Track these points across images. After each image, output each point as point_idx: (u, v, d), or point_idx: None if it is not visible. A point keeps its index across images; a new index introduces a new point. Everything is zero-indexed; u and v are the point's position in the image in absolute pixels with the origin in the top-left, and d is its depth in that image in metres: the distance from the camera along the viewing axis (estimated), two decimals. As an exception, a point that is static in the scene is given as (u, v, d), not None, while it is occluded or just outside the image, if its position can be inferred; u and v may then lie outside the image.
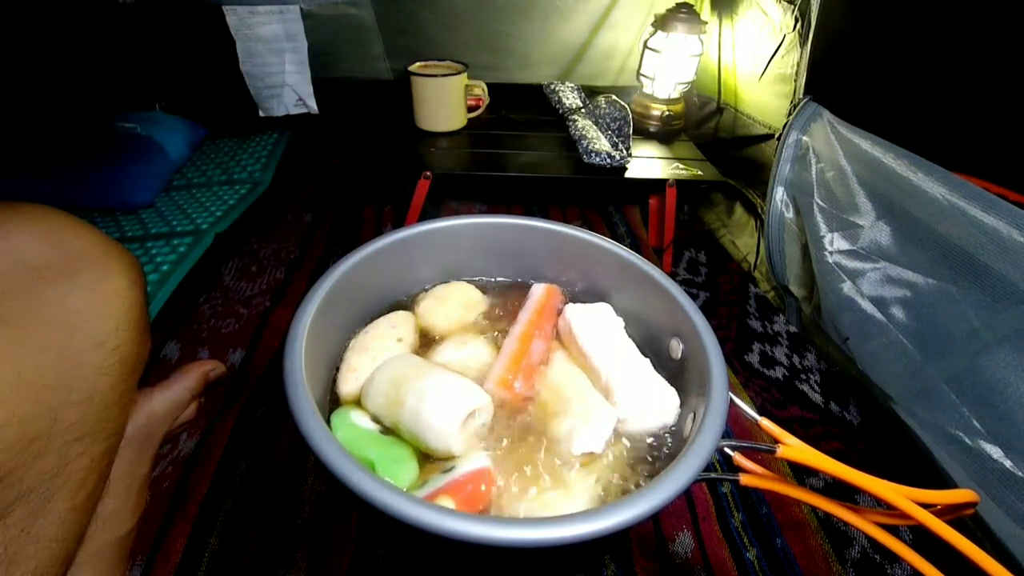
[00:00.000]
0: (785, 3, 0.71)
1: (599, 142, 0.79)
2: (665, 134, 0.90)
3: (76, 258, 0.35)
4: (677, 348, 0.38)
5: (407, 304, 0.44)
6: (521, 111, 0.94)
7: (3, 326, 0.29)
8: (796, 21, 0.68)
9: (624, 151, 0.80)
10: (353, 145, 1.03)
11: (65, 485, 0.30)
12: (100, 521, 0.38)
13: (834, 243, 0.58)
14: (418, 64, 0.85)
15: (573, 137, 0.83)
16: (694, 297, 0.62)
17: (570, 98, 0.94)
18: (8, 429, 0.26)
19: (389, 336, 0.39)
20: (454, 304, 0.43)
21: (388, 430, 0.34)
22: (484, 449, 0.33)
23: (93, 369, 0.33)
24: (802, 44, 0.67)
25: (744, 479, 0.29)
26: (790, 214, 0.68)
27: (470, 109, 0.90)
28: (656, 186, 0.81)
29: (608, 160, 0.76)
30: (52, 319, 0.31)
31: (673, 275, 0.78)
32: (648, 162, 0.82)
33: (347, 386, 0.36)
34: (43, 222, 0.35)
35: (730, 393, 0.31)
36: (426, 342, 0.41)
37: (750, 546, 0.46)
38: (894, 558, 0.45)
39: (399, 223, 0.87)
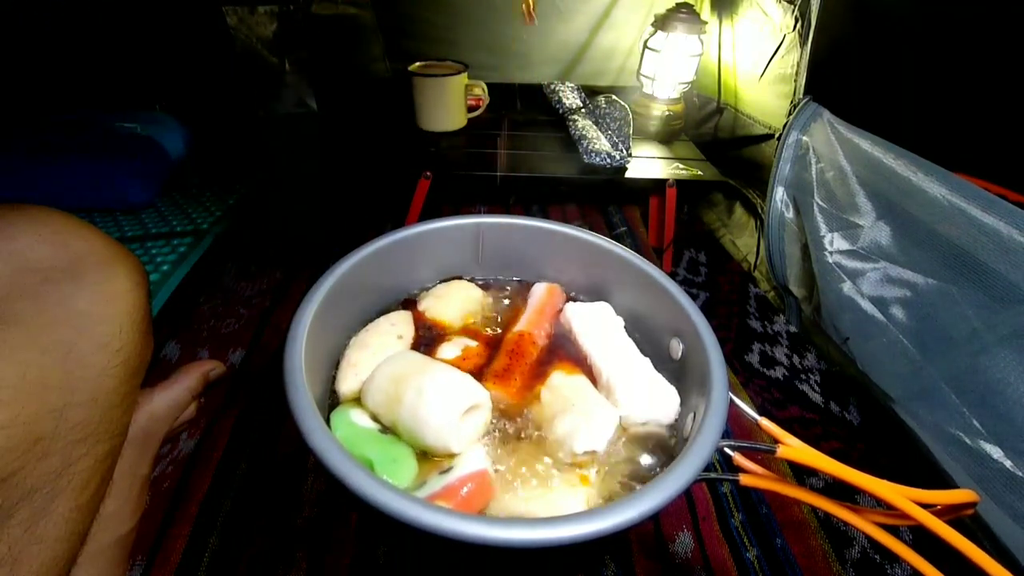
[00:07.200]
0: (785, 3, 0.71)
1: (599, 142, 0.79)
2: (665, 134, 0.90)
3: (81, 260, 0.35)
4: (677, 348, 0.38)
5: (407, 304, 0.44)
6: (521, 111, 0.94)
7: (8, 327, 0.29)
8: (796, 21, 0.68)
9: (624, 151, 0.80)
10: (351, 145, 1.03)
11: (69, 485, 0.30)
12: (101, 521, 0.38)
13: (834, 243, 0.58)
14: (418, 64, 0.85)
15: (573, 137, 0.83)
16: (694, 297, 0.62)
17: (570, 98, 0.94)
18: (13, 430, 0.27)
19: (389, 333, 0.39)
20: (454, 303, 0.43)
21: (387, 429, 0.34)
22: (483, 448, 0.33)
23: (97, 370, 0.33)
24: (802, 44, 0.67)
25: (744, 479, 0.29)
26: (790, 214, 0.68)
27: (470, 109, 0.90)
28: (656, 186, 0.81)
29: (608, 160, 0.76)
30: (57, 320, 0.31)
31: (673, 275, 0.78)
32: (648, 162, 0.82)
33: (347, 383, 0.36)
34: (48, 224, 0.35)
35: (730, 393, 0.31)
36: (426, 341, 0.41)
37: (750, 546, 0.46)
38: (894, 558, 0.45)
39: (399, 223, 0.87)
